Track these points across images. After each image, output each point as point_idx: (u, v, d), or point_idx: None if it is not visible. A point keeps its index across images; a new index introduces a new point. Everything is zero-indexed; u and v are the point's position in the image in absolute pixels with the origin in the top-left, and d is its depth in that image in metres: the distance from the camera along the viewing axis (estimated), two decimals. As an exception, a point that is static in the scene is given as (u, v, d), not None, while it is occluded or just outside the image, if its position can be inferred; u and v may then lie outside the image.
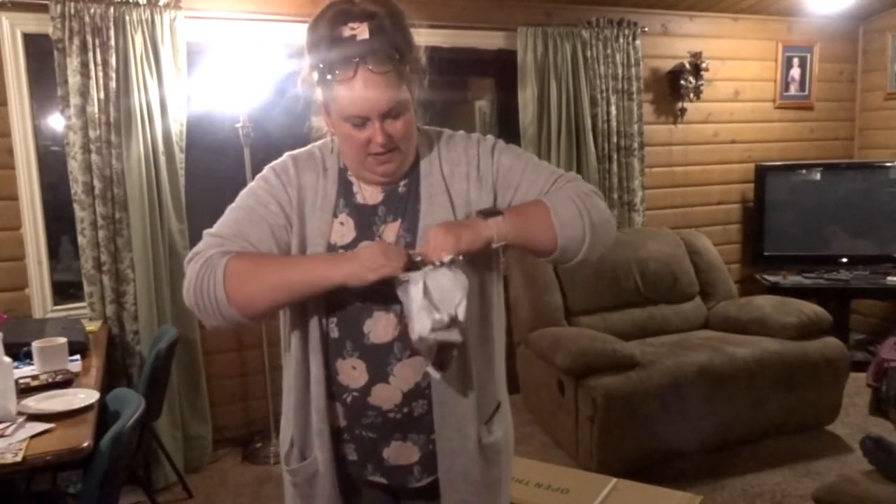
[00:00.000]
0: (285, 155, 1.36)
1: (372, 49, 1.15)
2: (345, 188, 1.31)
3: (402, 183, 1.31)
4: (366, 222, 1.29)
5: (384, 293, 1.21)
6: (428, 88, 1.29)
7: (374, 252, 1.15)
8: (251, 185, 1.33)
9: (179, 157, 3.25)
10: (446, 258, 1.14)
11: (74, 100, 2.98)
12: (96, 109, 3.01)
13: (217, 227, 1.28)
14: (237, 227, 1.26)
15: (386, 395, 1.27)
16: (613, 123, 4.06)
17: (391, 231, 1.28)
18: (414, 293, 1.13)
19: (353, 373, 1.27)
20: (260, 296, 1.19)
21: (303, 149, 1.37)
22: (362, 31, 1.15)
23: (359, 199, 1.30)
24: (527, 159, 1.34)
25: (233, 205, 1.32)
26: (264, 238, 1.26)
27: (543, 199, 1.27)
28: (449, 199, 1.29)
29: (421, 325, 1.13)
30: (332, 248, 1.27)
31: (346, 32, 1.16)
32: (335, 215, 1.29)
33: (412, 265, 1.16)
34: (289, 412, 1.37)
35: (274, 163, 1.35)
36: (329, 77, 1.18)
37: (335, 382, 1.29)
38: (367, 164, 1.25)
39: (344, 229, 1.28)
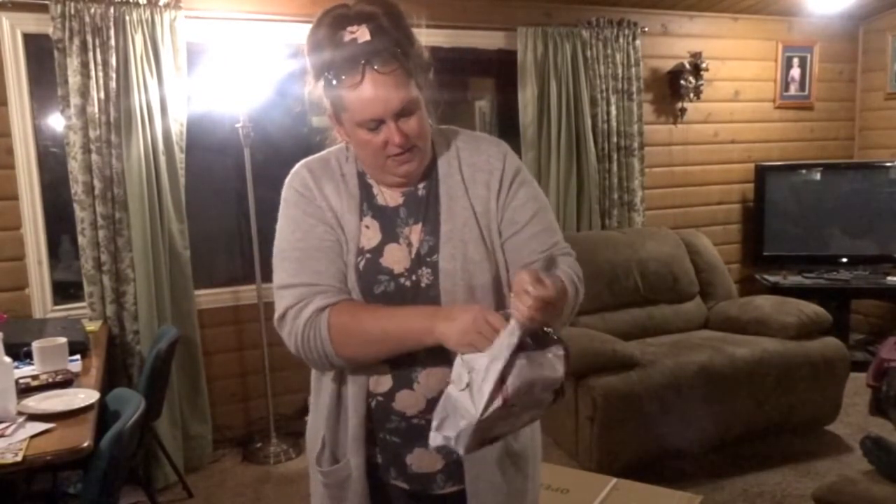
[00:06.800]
0: (298, 166, 1.32)
1: (375, 49, 1.14)
2: (366, 192, 1.30)
3: (421, 185, 1.30)
4: (390, 224, 1.28)
5: (414, 303, 1.23)
6: (433, 86, 1.27)
7: (466, 324, 1.10)
8: (285, 214, 1.29)
9: (179, 157, 3.25)
10: (536, 320, 1.06)
11: (74, 100, 2.99)
12: (96, 109, 3.02)
13: (287, 276, 1.25)
14: (309, 267, 1.24)
15: (410, 401, 1.26)
16: (613, 123, 4.06)
17: (415, 234, 1.27)
18: (490, 368, 1.05)
19: (379, 378, 1.28)
20: (364, 351, 1.22)
21: (314, 156, 1.34)
22: (362, 33, 1.14)
23: (380, 200, 1.30)
24: (538, 206, 1.32)
25: (282, 246, 1.28)
26: (332, 264, 1.24)
27: (568, 282, 1.23)
28: (469, 202, 1.29)
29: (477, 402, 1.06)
30: (361, 253, 1.26)
31: (347, 37, 1.14)
32: (360, 219, 1.29)
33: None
34: (321, 413, 1.35)
35: (290, 180, 1.31)
36: (336, 84, 1.16)
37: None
38: (388, 166, 1.24)
39: (370, 232, 1.28)
